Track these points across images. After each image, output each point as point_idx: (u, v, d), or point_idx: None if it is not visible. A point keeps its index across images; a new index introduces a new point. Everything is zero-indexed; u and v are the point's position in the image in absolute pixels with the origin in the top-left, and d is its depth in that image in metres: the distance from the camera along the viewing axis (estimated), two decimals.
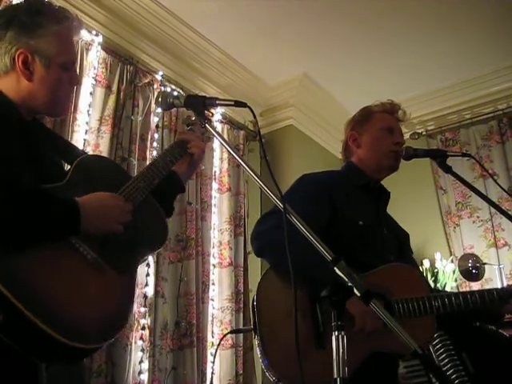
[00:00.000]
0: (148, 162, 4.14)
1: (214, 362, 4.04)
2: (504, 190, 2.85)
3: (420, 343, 1.32)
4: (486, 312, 2.28)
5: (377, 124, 2.50)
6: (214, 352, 4.11)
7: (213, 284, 4.53)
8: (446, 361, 2.52)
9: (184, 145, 2.09)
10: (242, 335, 4.44)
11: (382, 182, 2.52)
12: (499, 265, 4.78)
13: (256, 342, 2.02)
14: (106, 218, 1.66)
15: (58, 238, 1.55)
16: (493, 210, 4.88)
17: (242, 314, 4.58)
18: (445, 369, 2.49)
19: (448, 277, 4.91)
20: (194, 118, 2.24)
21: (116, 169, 2.03)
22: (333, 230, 2.16)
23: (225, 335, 4.04)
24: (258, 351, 2.01)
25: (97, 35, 4.01)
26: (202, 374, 4.09)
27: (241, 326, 4.46)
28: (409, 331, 1.33)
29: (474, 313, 2.29)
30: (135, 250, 1.79)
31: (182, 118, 4.62)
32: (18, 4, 1.95)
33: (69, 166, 1.82)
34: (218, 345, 4.00)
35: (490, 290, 2.16)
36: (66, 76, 1.83)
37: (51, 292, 1.46)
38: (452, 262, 5.02)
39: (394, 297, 2.06)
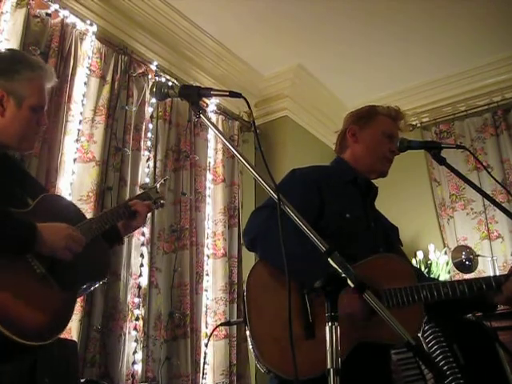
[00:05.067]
0: (142, 152, 4.17)
1: (206, 353, 4.06)
2: (498, 182, 2.87)
3: (410, 333, 1.33)
4: (479, 302, 2.29)
5: (380, 127, 2.48)
6: (208, 344, 4.13)
7: (207, 275, 4.54)
8: (437, 352, 2.53)
9: (129, 208, 2.40)
10: (235, 326, 4.45)
11: None
12: (492, 257, 4.79)
13: (247, 333, 2.03)
14: (58, 244, 1.90)
15: (14, 252, 1.81)
16: (486, 202, 4.90)
17: (235, 305, 4.59)
18: (436, 360, 2.50)
19: (441, 268, 4.92)
20: (149, 184, 2.60)
21: (74, 208, 2.28)
22: (321, 223, 2.17)
23: (215, 328, 4.05)
24: (249, 343, 2.03)
25: (91, 25, 3.99)
26: (196, 364, 4.10)
27: (234, 317, 4.47)
28: (398, 321, 1.34)
29: (467, 303, 2.30)
30: (79, 276, 2.05)
31: (177, 108, 4.62)
32: (3, 52, 2.34)
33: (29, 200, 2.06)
34: (210, 336, 4.02)
35: (477, 279, 2.17)
36: (35, 117, 2.12)
37: (1, 293, 1.73)
38: (445, 253, 5.04)
39: (382, 287, 2.07)
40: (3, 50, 2.55)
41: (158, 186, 2.69)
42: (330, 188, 2.31)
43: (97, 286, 2.41)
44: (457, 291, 2.11)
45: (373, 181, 2.51)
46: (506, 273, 2.18)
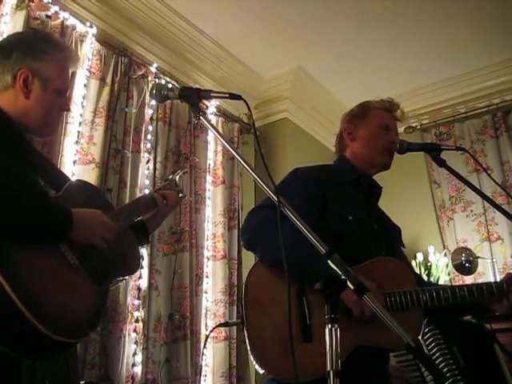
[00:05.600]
0: (142, 154, 4.17)
1: (203, 353, 4.06)
2: (498, 184, 2.86)
3: (409, 335, 1.33)
4: (476, 308, 2.29)
5: (374, 120, 2.48)
6: (205, 345, 4.12)
7: (206, 277, 4.53)
8: (437, 354, 2.53)
9: (154, 200, 2.31)
10: (235, 327, 4.45)
11: (375, 176, 2.52)
12: (492, 259, 4.79)
13: (244, 334, 2.02)
14: (94, 231, 1.80)
15: (50, 240, 1.67)
16: (486, 204, 4.89)
17: (235, 307, 4.59)
18: (436, 362, 2.50)
19: (441, 270, 4.92)
20: (171, 177, 2.58)
21: (102, 196, 2.18)
22: (322, 225, 2.17)
23: (213, 329, 4.06)
24: (246, 343, 2.01)
25: (91, 27, 3.99)
26: (196, 366, 4.09)
27: (234, 319, 4.47)
28: (398, 324, 1.34)
29: (464, 307, 2.30)
30: (110, 270, 1.93)
31: (177, 110, 4.62)
32: (25, 31, 2.24)
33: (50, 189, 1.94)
34: (207, 337, 4.02)
35: (478, 285, 2.15)
36: (59, 101, 2.01)
37: (37, 286, 1.55)
38: (445, 255, 5.04)
39: (382, 290, 2.06)
40: (25, 30, 2.46)
41: (176, 178, 2.58)
42: (332, 188, 2.30)
43: (125, 280, 2.28)
44: (457, 297, 2.10)
45: (375, 181, 2.51)
46: (506, 278, 2.17)
